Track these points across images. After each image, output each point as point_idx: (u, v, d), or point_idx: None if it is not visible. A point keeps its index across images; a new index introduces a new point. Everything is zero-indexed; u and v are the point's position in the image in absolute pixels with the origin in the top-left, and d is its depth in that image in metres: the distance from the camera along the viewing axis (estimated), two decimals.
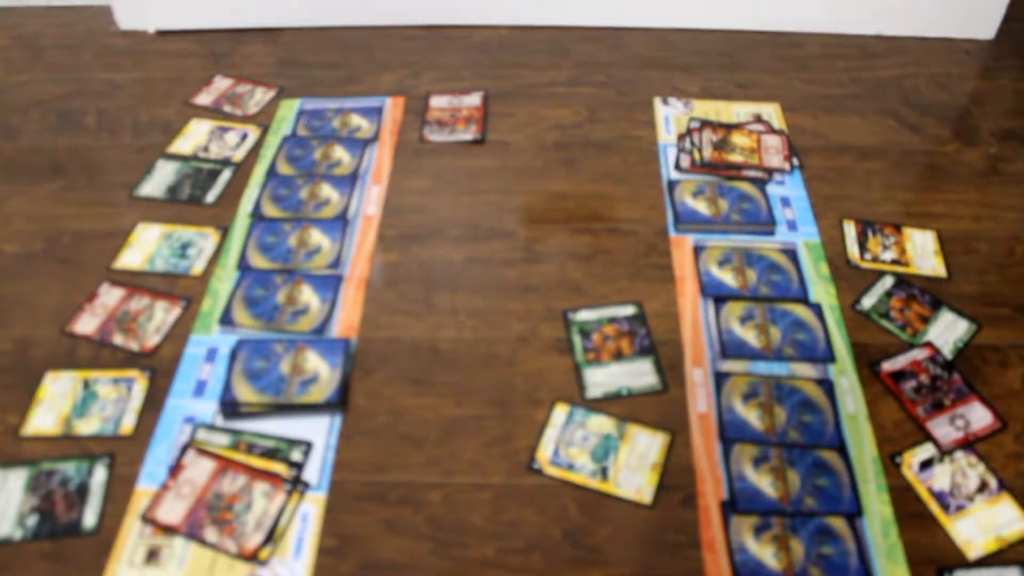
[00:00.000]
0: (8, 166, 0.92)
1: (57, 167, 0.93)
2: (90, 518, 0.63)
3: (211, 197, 0.89)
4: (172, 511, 0.63)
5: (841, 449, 0.67)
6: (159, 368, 0.73)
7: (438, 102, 1.01)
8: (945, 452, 0.67)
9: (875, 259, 0.83)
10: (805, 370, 0.73)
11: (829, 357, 0.74)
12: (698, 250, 0.83)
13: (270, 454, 0.67)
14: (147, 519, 0.63)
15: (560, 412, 0.70)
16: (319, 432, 0.69)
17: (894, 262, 0.82)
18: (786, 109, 1.00)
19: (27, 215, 0.87)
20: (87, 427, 0.69)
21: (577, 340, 0.75)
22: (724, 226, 0.85)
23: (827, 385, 0.71)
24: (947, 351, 0.75)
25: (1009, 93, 1.05)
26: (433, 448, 0.68)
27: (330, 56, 1.09)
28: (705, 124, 0.97)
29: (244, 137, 0.96)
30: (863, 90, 1.04)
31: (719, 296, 0.78)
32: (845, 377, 0.72)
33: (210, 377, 0.72)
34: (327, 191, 0.89)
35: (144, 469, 0.66)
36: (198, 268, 0.81)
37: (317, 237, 0.84)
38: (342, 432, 0.69)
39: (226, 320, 0.76)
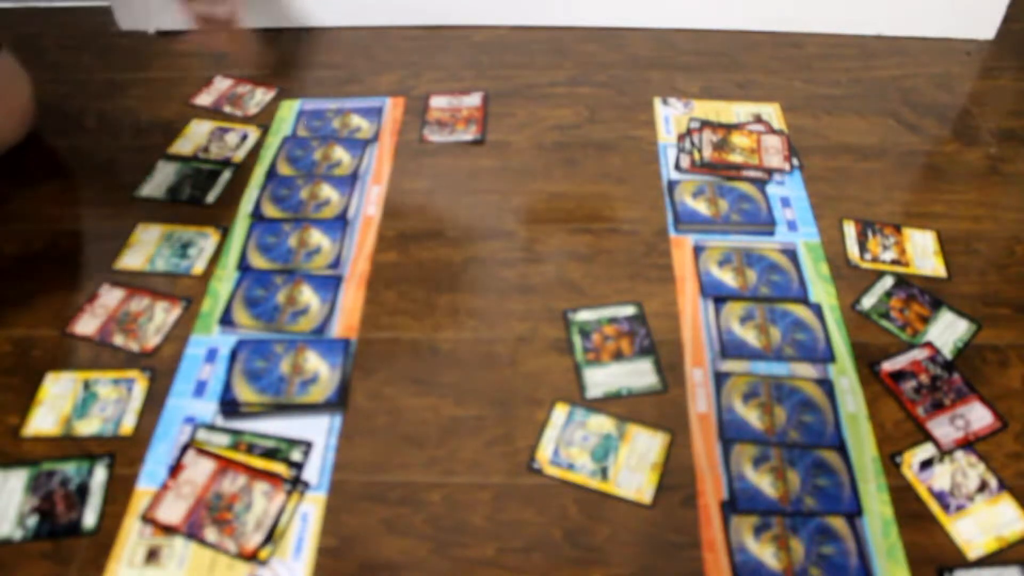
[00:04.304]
0: (8, 166, 0.92)
1: (57, 167, 0.93)
2: (90, 518, 0.63)
3: (211, 198, 0.89)
4: (172, 511, 0.63)
5: (841, 449, 0.67)
6: (159, 368, 0.73)
7: (438, 102, 1.01)
8: (945, 452, 0.67)
9: (875, 259, 0.83)
10: (805, 370, 0.73)
11: (829, 357, 0.74)
12: (698, 250, 0.83)
13: (270, 454, 0.67)
14: (147, 519, 0.63)
15: (560, 412, 0.70)
16: (319, 432, 0.69)
17: (894, 262, 0.82)
18: (786, 109, 1.00)
19: (27, 215, 0.87)
20: (87, 427, 0.69)
21: (577, 340, 0.75)
22: (724, 226, 0.85)
23: (827, 385, 0.71)
24: (947, 351, 0.75)
25: (1009, 93, 1.05)
26: (433, 448, 0.68)
27: (330, 56, 1.09)
28: (705, 124, 0.97)
29: (244, 138, 0.96)
30: (863, 90, 1.04)
31: (719, 296, 0.78)
32: (845, 377, 0.72)
33: (210, 377, 0.72)
34: (327, 191, 0.89)
35: (144, 469, 0.66)
36: (199, 268, 0.81)
37: (317, 237, 0.84)
38: (342, 432, 0.69)
39: (226, 320, 0.76)
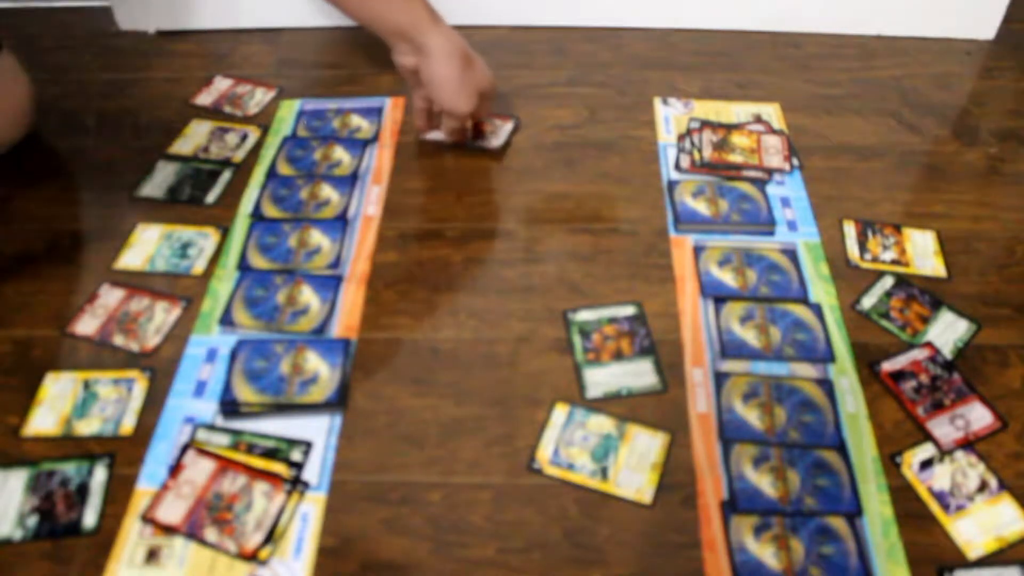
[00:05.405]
0: (8, 166, 0.92)
1: (57, 167, 0.94)
2: (90, 518, 0.63)
3: (211, 198, 0.89)
4: (172, 511, 0.63)
5: (841, 449, 0.67)
6: (159, 368, 0.73)
7: None
8: (945, 452, 0.67)
9: (875, 259, 0.83)
10: (805, 370, 0.73)
11: (829, 357, 0.74)
12: (698, 250, 0.83)
13: (270, 454, 0.67)
14: (147, 519, 0.63)
15: (560, 412, 0.70)
16: (319, 432, 0.69)
17: (894, 262, 0.82)
18: (786, 109, 1.00)
19: (27, 215, 0.87)
20: (87, 427, 0.69)
21: (577, 340, 0.75)
22: (724, 226, 0.85)
23: (827, 385, 0.71)
24: (947, 351, 0.75)
25: (1009, 93, 1.05)
26: (433, 448, 0.68)
27: (330, 56, 1.09)
28: (705, 124, 0.97)
29: (244, 138, 0.96)
30: (863, 90, 1.04)
31: (719, 296, 0.78)
32: (845, 377, 0.72)
33: (210, 377, 0.72)
34: (327, 191, 0.89)
35: (144, 469, 0.66)
36: (199, 268, 0.81)
37: (317, 237, 0.84)
38: (342, 432, 0.69)
39: (226, 321, 0.76)
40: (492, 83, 0.88)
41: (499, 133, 0.96)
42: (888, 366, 0.73)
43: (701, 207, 0.87)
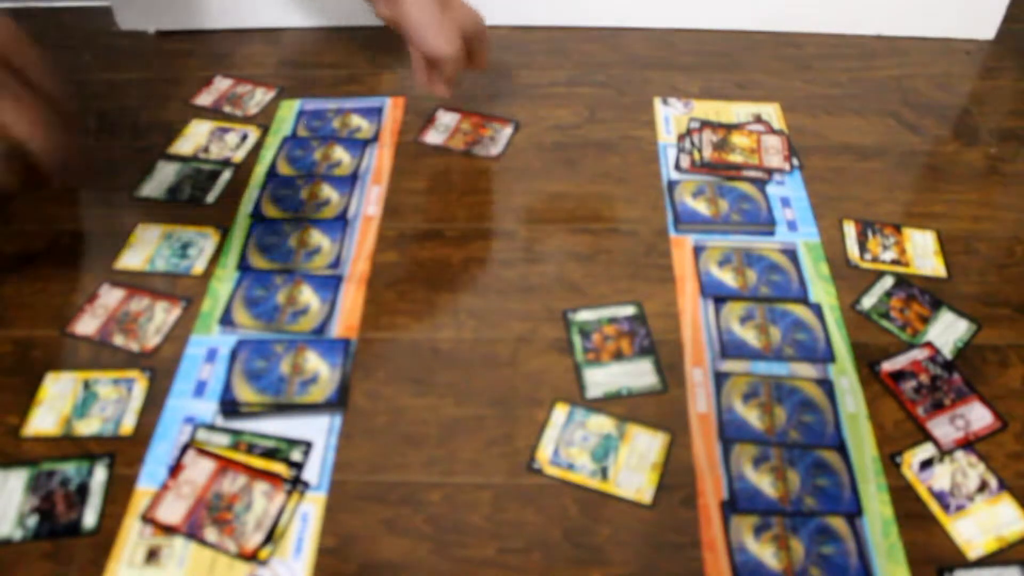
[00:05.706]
0: None
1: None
2: (90, 518, 0.63)
3: (211, 198, 0.89)
4: (172, 511, 0.63)
5: (841, 449, 0.67)
6: (159, 368, 0.73)
7: (445, 119, 0.99)
8: (945, 452, 0.67)
9: (875, 259, 0.83)
10: (805, 370, 0.73)
11: (829, 357, 0.74)
12: (698, 250, 0.83)
13: (270, 454, 0.67)
14: (147, 519, 0.63)
15: (560, 412, 0.70)
16: (319, 432, 0.69)
17: (894, 262, 0.82)
18: (786, 109, 1.00)
19: (27, 215, 0.87)
20: (87, 427, 0.69)
21: (577, 340, 0.75)
22: (724, 226, 0.85)
23: (827, 385, 0.71)
24: (947, 351, 0.75)
25: (1009, 93, 1.05)
26: (433, 448, 0.68)
27: (330, 56, 1.09)
28: (705, 124, 0.97)
29: (244, 138, 0.96)
30: (863, 90, 1.04)
31: (719, 296, 0.78)
32: (845, 377, 0.72)
33: (210, 377, 0.72)
34: (327, 191, 0.89)
35: (144, 469, 0.66)
36: (199, 268, 0.81)
37: (317, 237, 0.84)
38: (342, 432, 0.69)
39: (226, 321, 0.76)
40: (478, 22, 0.85)
41: (498, 140, 0.96)
42: (888, 366, 0.73)
43: (701, 207, 0.87)
